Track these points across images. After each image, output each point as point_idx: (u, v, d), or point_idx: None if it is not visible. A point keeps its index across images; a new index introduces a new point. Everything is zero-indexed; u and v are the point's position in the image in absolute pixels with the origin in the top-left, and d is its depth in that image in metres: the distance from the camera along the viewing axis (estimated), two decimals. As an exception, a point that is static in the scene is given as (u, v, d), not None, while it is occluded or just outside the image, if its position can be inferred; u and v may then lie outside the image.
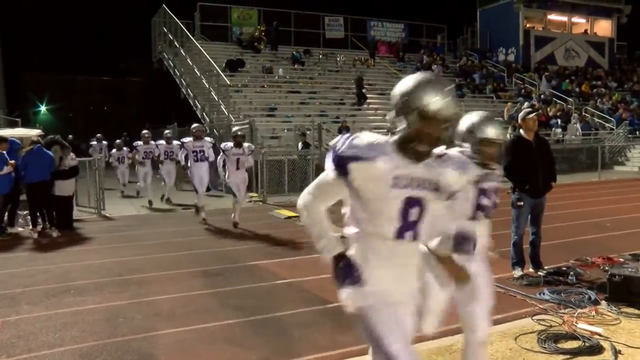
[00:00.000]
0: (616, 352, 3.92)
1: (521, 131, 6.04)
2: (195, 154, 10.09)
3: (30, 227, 9.41)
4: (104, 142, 17.97)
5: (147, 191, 13.43)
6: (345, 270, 2.24)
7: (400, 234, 2.17)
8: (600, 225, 9.23)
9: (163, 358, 4.10)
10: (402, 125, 2.11)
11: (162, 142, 13.46)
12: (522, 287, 5.59)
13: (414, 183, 2.14)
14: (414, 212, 2.17)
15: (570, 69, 29.82)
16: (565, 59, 30.56)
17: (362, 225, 2.22)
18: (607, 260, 6.47)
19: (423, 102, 2.05)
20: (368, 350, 2.39)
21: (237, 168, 9.45)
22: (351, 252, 2.26)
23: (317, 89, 22.78)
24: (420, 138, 2.08)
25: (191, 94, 20.85)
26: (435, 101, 2.04)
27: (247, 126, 14.79)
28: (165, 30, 23.69)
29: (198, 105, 20.11)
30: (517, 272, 5.99)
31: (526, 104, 22.32)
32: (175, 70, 22.59)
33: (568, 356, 3.91)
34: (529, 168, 5.84)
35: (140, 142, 13.73)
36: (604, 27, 31.92)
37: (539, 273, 5.98)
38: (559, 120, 23.25)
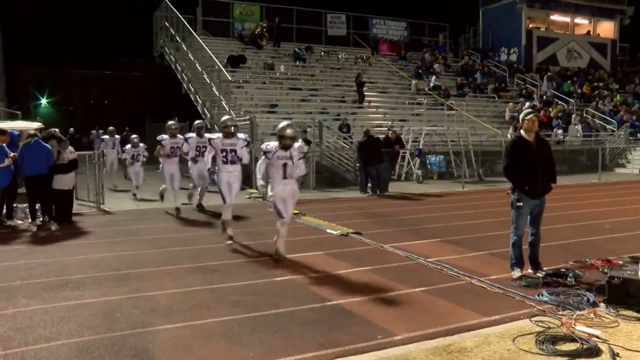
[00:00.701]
0: (614, 355, 3.91)
1: (522, 132, 6.03)
2: (224, 154, 7.96)
3: (30, 220, 9.39)
4: (117, 137, 16.56)
5: (178, 198, 11.10)
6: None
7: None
8: (600, 227, 9.22)
9: (159, 354, 4.08)
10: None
11: (193, 135, 10.86)
12: (521, 288, 5.58)
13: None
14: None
15: (572, 70, 29.79)
16: (567, 59, 30.54)
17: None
18: (606, 263, 6.46)
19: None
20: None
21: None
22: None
23: (318, 86, 22.78)
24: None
25: (192, 90, 20.83)
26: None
27: (247, 122, 14.79)
28: (167, 25, 23.64)
29: (199, 100, 20.10)
30: (516, 273, 5.98)
31: (527, 104, 22.32)
32: (177, 65, 22.56)
33: (566, 358, 3.89)
34: (528, 169, 5.82)
35: (165, 136, 11.08)
36: (607, 29, 31.89)
37: (538, 274, 5.96)
38: (560, 122, 23.24)
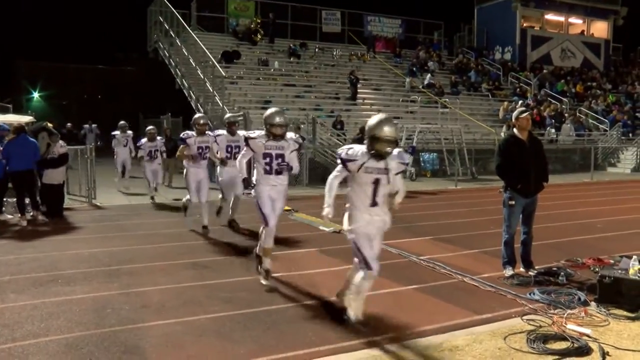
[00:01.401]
0: (604, 354, 3.93)
1: (515, 130, 6.04)
2: (268, 160, 5.92)
3: (19, 215, 9.31)
4: (129, 132, 14.15)
5: (206, 213, 8.59)
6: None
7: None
8: (592, 226, 9.27)
9: (150, 350, 4.05)
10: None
11: (222, 132, 8.83)
12: (513, 287, 5.60)
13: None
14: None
15: (566, 69, 29.90)
16: (561, 59, 30.64)
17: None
18: (598, 262, 6.50)
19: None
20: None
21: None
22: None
23: (312, 82, 22.72)
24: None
25: (186, 85, 20.71)
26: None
27: (241, 118, 14.70)
28: (161, 20, 23.48)
29: (193, 96, 19.99)
30: (508, 272, 6.00)
31: (520, 102, 22.38)
32: (171, 60, 22.42)
33: (556, 357, 3.90)
34: (521, 167, 5.84)
35: (191, 133, 8.66)
36: (600, 29, 32.02)
37: (530, 273, 5.98)
38: (553, 121, 23.33)
